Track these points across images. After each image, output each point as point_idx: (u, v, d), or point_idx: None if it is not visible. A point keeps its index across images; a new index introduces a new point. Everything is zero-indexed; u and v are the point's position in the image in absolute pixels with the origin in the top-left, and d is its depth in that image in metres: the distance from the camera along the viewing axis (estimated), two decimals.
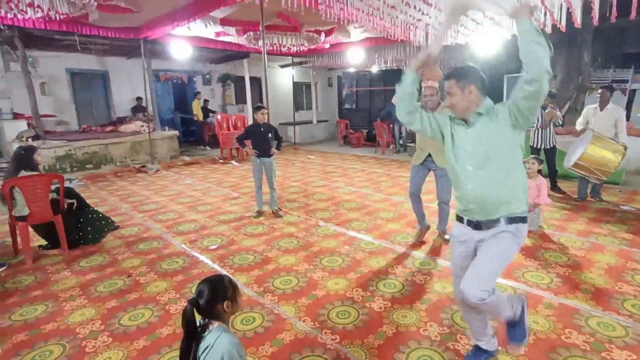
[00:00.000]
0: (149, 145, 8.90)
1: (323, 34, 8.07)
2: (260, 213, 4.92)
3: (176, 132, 9.90)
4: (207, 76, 12.51)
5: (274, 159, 4.87)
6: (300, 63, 12.90)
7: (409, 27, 6.72)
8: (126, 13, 6.15)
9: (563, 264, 3.29)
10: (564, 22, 5.93)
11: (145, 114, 9.29)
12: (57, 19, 5.55)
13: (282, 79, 14.30)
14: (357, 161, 9.18)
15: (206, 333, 1.59)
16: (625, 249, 3.56)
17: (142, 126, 9.21)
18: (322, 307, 2.72)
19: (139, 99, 10.38)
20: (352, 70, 13.05)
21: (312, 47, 8.71)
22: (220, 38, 8.51)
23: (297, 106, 14.50)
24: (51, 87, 9.54)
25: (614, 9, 5.40)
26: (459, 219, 1.96)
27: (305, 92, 15.69)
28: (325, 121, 14.93)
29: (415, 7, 5.34)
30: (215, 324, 1.61)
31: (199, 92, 11.53)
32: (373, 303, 2.75)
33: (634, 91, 10.02)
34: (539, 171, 4.13)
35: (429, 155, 3.64)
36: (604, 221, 4.33)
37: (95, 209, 4.30)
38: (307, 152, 11.05)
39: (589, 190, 5.15)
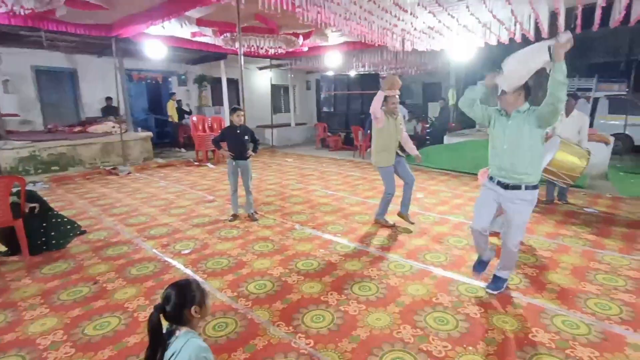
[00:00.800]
0: (121, 146, 8.61)
1: (301, 37, 8.08)
2: (235, 216, 4.83)
3: (150, 134, 9.62)
4: (183, 77, 12.26)
5: (250, 162, 4.81)
6: (279, 65, 12.86)
7: (386, 32, 6.82)
8: (97, 10, 5.94)
9: (531, 264, 3.40)
10: (532, 33, 6.19)
11: (119, 115, 8.98)
12: (22, 14, 5.29)
13: (260, 81, 14.20)
14: (334, 164, 9.21)
15: (173, 339, 1.54)
16: (589, 249, 3.72)
17: (114, 127, 8.90)
18: (297, 311, 2.69)
19: (109, 99, 10.03)
20: (330, 73, 13.11)
21: (290, 50, 8.70)
22: (197, 38, 8.36)
23: (275, 109, 14.42)
24: (15, 84, 9.08)
25: (579, 21, 5.70)
26: (491, 178, 2.78)
27: (283, 95, 15.66)
28: (304, 124, 14.93)
29: (391, 13, 5.42)
30: (183, 330, 1.57)
31: (174, 93, 11.27)
32: (348, 306, 2.74)
33: (597, 99, 10.57)
34: None
35: (397, 154, 4.27)
36: (569, 223, 4.52)
37: (59, 213, 4.10)
38: (285, 155, 10.99)
39: (556, 194, 5.36)
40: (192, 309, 1.57)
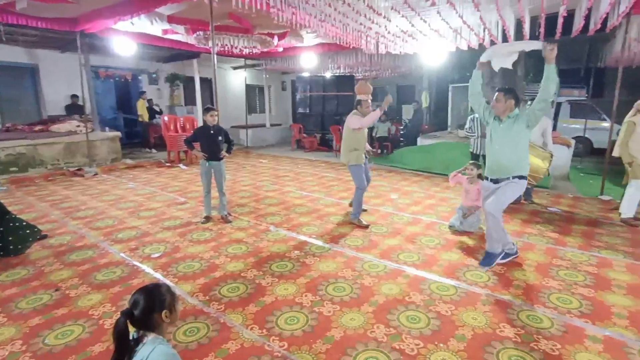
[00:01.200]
0: (86, 146, 8.24)
1: (276, 38, 8.04)
2: (208, 218, 4.73)
3: (118, 134, 9.27)
4: (154, 75, 11.90)
5: (223, 163, 4.72)
6: (253, 65, 12.73)
7: (360, 35, 6.90)
8: (61, 2, 5.66)
9: (499, 262, 3.51)
10: (500, 39, 6.44)
11: (85, 114, 8.59)
12: None
13: (234, 81, 14.01)
14: (310, 165, 9.21)
15: (139, 347, 1.48)
16: (552, 247, 3.89)
17: (79, 126, 8.50)
18: (271, 314, 2.66)
19: (74, 96, 9.56)
20: (306, 74, 13.11)
21: (265, 50, 8.64)
22: (168, 36, 8.13)
23: (250, 109, 14.27)
24: None
25: (542, 29, 5.98)
26: (486, 178, 3.30)
27: (258, 95, 15.51)
28: (279, 125, 14.85)
29: (365, 16, 5.48)
30: (150, 336, 1.51)
31: (144, 92, 10.93)
32: (322, 307, 2.74)
33: (559, 104, 11.12)
34: (479, 176, 4.40)
35: (366, 153, 4.63)
36: (534, 222, 4.72)
37: (18, 216, 3.87)
38: (259, 156, 10.89)
39: (522, 194, 5.58)
40: (163, 313, 1.52)
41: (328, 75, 12.57)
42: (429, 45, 7.90)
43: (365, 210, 4.96)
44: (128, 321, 1.49)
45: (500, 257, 3.43)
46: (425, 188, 6.62)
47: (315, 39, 8.83)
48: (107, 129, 9.52)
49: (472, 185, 4.34)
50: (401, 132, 12.07)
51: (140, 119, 10.68)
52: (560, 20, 5.49)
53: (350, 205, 4.98)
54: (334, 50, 9.62)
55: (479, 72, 3.32)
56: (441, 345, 2.31)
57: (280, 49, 9.76)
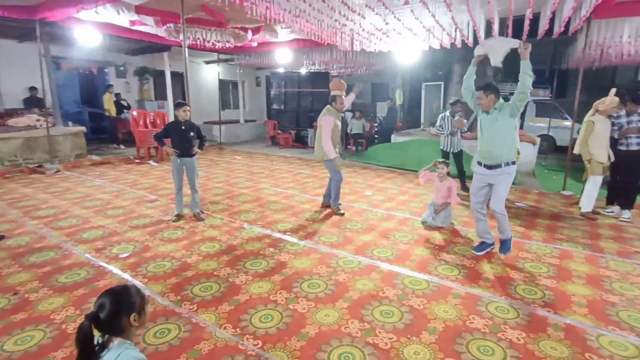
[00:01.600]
0: (47, 142, 7.81)
1: (250, 32, 7.89)
2: (180, 216, 4.61)
3: (82, 128, 8.83)
4: (122, 68, 11.43)
5: (195, 159, 4.60)
6: (227, 60, 12.48)
7: (335, 32, 6.89)
8: None
9: (469, 256, 3.62)
10: (471, 39, 6.62)
11: (45, 107, 8.12)
12: None
13: (207, 76, 13.69)
14: (285, 162, 9.14)
15: (105, 352, 1.41)
16: (518, 240, 4.05)
17: (38, 120, 8.03)
18: (245, 313, 2.62)
19: (33, 89, 9.02)
20: (281, 70, 12.99)
21: (239, 44, 8.48)
22: (136, 27, 7.81)
23: (224, 104, 14.00)
24: None
25: (510, 30, 6.20)
26: (479, 163, 3.49)
27: (232, 91, 15.23)
28: (253, 121, 14.65)
29: (340, 13, 5.48)
30: (117, 341, 1.44)
31: (111, 85, 10.46)
32: (297, 304, 2.73)
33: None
34: (448, 173, 4.51)
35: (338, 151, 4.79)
36: None
37: None
38: (233, 153, 10.71)
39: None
40: (131, 317, 1.45)
41: (303, 71, 12.50)
42: (403, 44, 8.01)
43: (339, 210, 4.98)
44: (93, 325, 1.42)
45: (479, 247, 3.69)
46: (399, 184, 6.73)
47: (290, 34, 8.75)
48: (70, 123, 9.05)
49: (442, 183, 4.44)
50: (375, 130, 12.21)
51: (107, 114, 10.23)
52: (526, 23, 5.71)
53: (323, 205, 5.17)
54: (309, 46, 9.57)
55: (473, 68, 3.57)
56: (414, 338, 2.36)
57: (255, 44, 9.61)
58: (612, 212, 4.99)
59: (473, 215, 3.96)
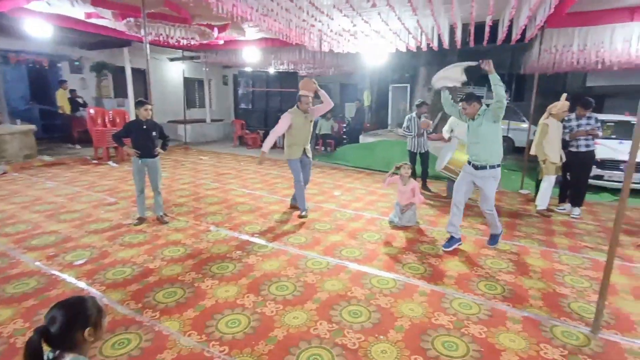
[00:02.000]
0: None
1: (216, 30, 7.70)
2: (142, 220, 4.41)
3: (32, 127, 8.22)
4: (77, 63, 10.78)
5: (158, 160, 4.42)
6: (192, 58, 12.11)
7: (304, 32, 6.87)
8: None
9: (434, 254, 3.73)
10: (435, 43, 6.82)
11: None
12: None
13: (172, 74, 13.23)
14: (253, 162, 9.01)
15: None
16: (480, 238, 4.22)
17: None
18: (210, 318, 2.54)
19: None
20: (248, 69, 12.78)
21: (205, 42, 8.24)
22: (93, 20, 7.39)
23: (189, 103, 13.58)
24: None
25: (472, 36, 6.45)
26: (468, 162, 3.73)
27: (198, 89, 14.81)
28: (220, 120, 14.33)
29: (308, 13, 5.46)
30: (69, 357, 1.34)
31: (65, 81, 9.80)
32: (265, 308, 2.68)
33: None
34: (414, 173, 4.61)
35: (304, 149, 4.75)
36: (465, 215, 5.03)
37: None
38: (199, 153, 10.42)
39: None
40: (86, 331, 1.35)
41: (271, 71, 12.37)
42: (371, 46, 8.12)
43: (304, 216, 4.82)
44: (43, 340, 1.31)
45: (448, 243, 3.85)
46: (367, 184, 6.82)
47: (258, 33, 8.63)
48: (18, 121, 8.43)
49: (405, 186, 4.53)
50: (344, 130, 12.31)
51: (60, 111, 9.60)
52: (487, 29, 5.96)
53: (291, 207, 5.14)
54: (277, 45, 9.47)
55: (445, 93, 3.86)
56: (381, 337, 2.38)
57: (221, 42, 9.39)
58: (564, 209, 5.32)
59: (440, 214, 4.09)
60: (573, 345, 2.36)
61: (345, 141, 11.48)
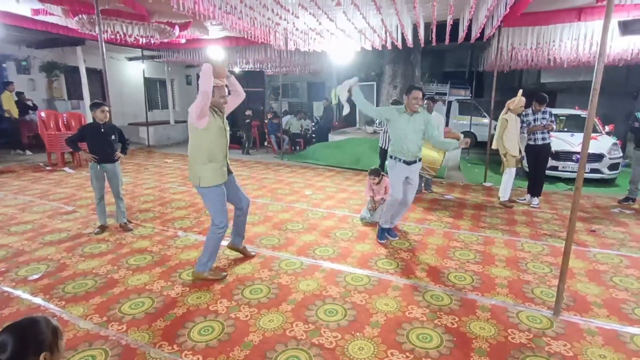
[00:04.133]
0: None
1: (177, 28, 7.43)
2: (103, 228, 4.18)
3: None
4: (24, 63, 10.06)
5: (118, 164, 4.20)
6: (152, 57, 11.65)
7: (269, 30, 6.78)
8: None
9: (406, 249, 3.80)
10: (400, 41, 6.95)
11: None
12: None
13: (131, 74, 12.66)
14: None
15: None
16: (448, 230, 4.35)
17: None
18: (182, 327, 2.44)
19: None
20: None
21: (165, 40, 7.94)
22: (40, 17, 6.91)
23: (151, 105, 13.07)
24: None
25: (434, 35, 6.63)
26: (400, 160, 3.75)
27: (160, 90, 14.28)
28: (185, 122, 13.86)
29: (273, 11, 5.39)
30: None
31: (10, 83, 9.09)
32: (239, 312, 2.62)
33: (450, 102, 12.56)
34: (382, 175, 4.65)
35: (227, 169, 4.33)
36: (433, 209, 5.22)
37: None
38: (164, 155, 10.06)
39: (423, 185, 6.14)
40: (41, 356, 1.24)
41: (237, 70, 12.14)
42: (337, 44, 8.14)
43: (253, 256, 3.56)
44: None
45: (382, 235, 3.99)
46: (337, 182, 6.85)
47: (222, 31, 8.42)
48: None
49: (378, 185, 4.57)
50: (313, 129, 12.30)
51: (7, 115, 8.90)
52: (448, 28, 6.15)
53: (233, 247, 3.56)
54: (242, 44, 9.30)
55: (360, 102, 3.87)
56: (357, 334, 2.39)
57: (183, 40, 9.08)
58: (524, 199, 5.60)
59: (409, 209, 4.17)
60: (537, 329, 2.47)
61: (314, 140, 11.48)
